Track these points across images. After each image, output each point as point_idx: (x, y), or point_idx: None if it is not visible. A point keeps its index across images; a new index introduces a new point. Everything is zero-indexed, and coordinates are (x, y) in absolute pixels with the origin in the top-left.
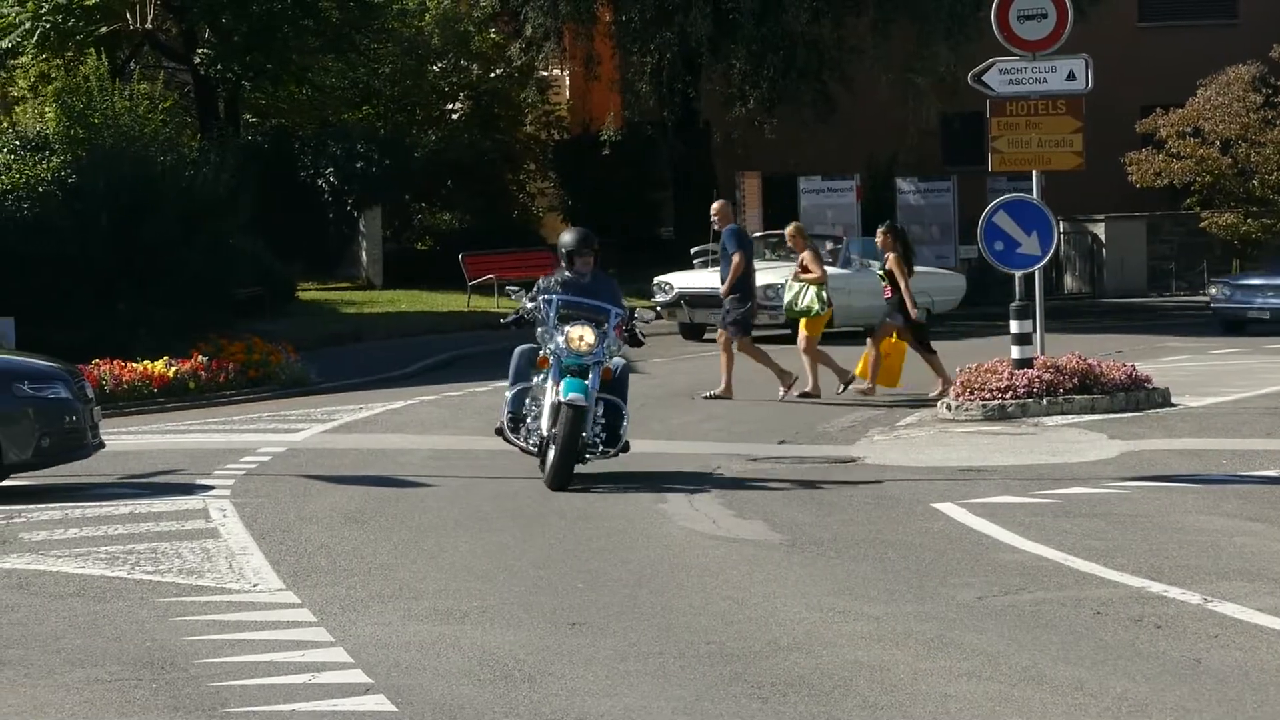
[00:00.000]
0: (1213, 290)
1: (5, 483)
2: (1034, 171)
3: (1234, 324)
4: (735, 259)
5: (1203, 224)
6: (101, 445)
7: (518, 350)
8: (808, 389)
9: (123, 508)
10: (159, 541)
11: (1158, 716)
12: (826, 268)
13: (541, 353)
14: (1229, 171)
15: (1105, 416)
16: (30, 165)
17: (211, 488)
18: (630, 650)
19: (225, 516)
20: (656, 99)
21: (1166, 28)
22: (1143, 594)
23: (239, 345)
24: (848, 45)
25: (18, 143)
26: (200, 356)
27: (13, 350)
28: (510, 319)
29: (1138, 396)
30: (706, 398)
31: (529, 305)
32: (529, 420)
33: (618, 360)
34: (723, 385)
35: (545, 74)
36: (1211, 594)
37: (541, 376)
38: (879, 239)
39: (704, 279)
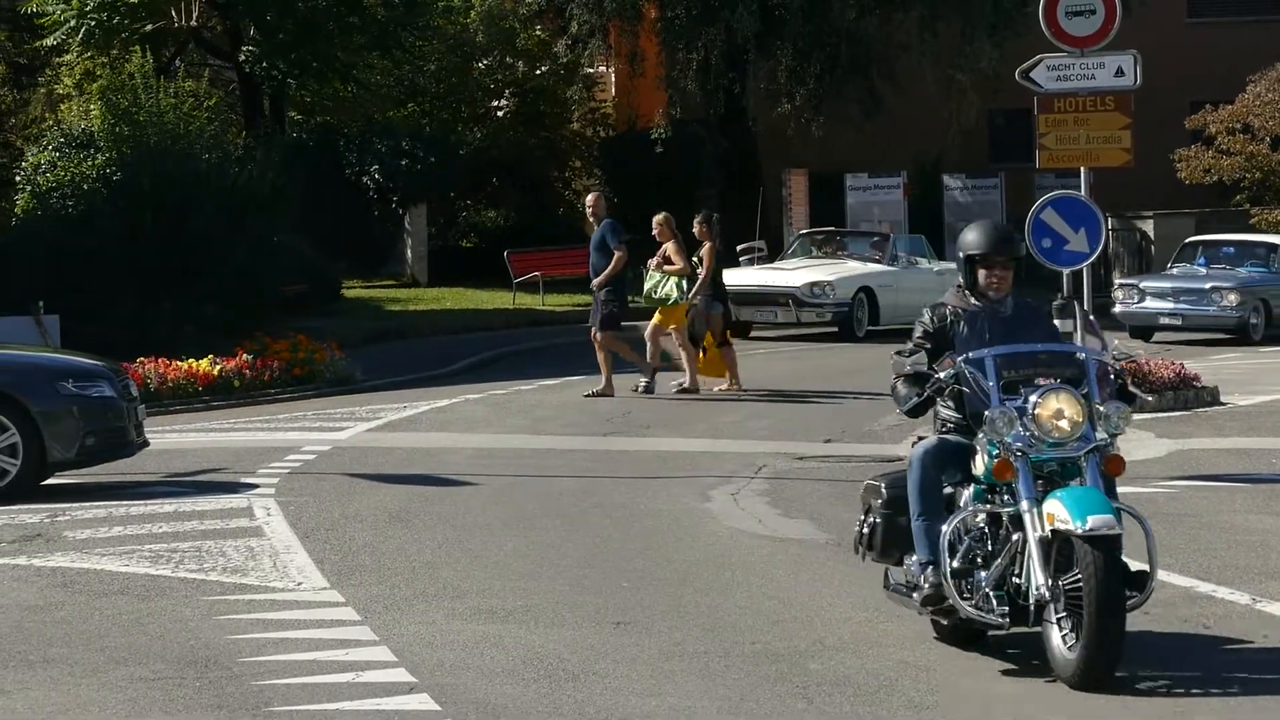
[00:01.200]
0: (1118, 293)
1: (50, 481)
2: (1082, 168)
3: (1142, 331)
4: (618, 255)
5: (1252, 220)
6: (146, 444)
7: (918, 453)
8: (686, 384)
9: (167, 506)
10: (203, 540)
11: (1205, 716)
12: (876, 265)
13: (980, 452)
14: (1279, 168)
15: (1153, 415)
16: (75, 163)
17: (256, 486)
18: (675, 649)
19: (269, 515)
20: (702, 96)
21: (1215, 23)
22: (1191, 594)
23: (284, 343)
24: (895, 41)
25: (63, 140)
26: (245, 354)
27: (57, 348)
28: (910, 403)
29: (1186, 395)
30: (588, 396)
31: (939, 374)
32: (981, 575)
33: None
34: (603, 383)
35: (590, 71)
36: (1260, 594)
37: (971, 492)
38: (696, 229)
39: (749, 276)
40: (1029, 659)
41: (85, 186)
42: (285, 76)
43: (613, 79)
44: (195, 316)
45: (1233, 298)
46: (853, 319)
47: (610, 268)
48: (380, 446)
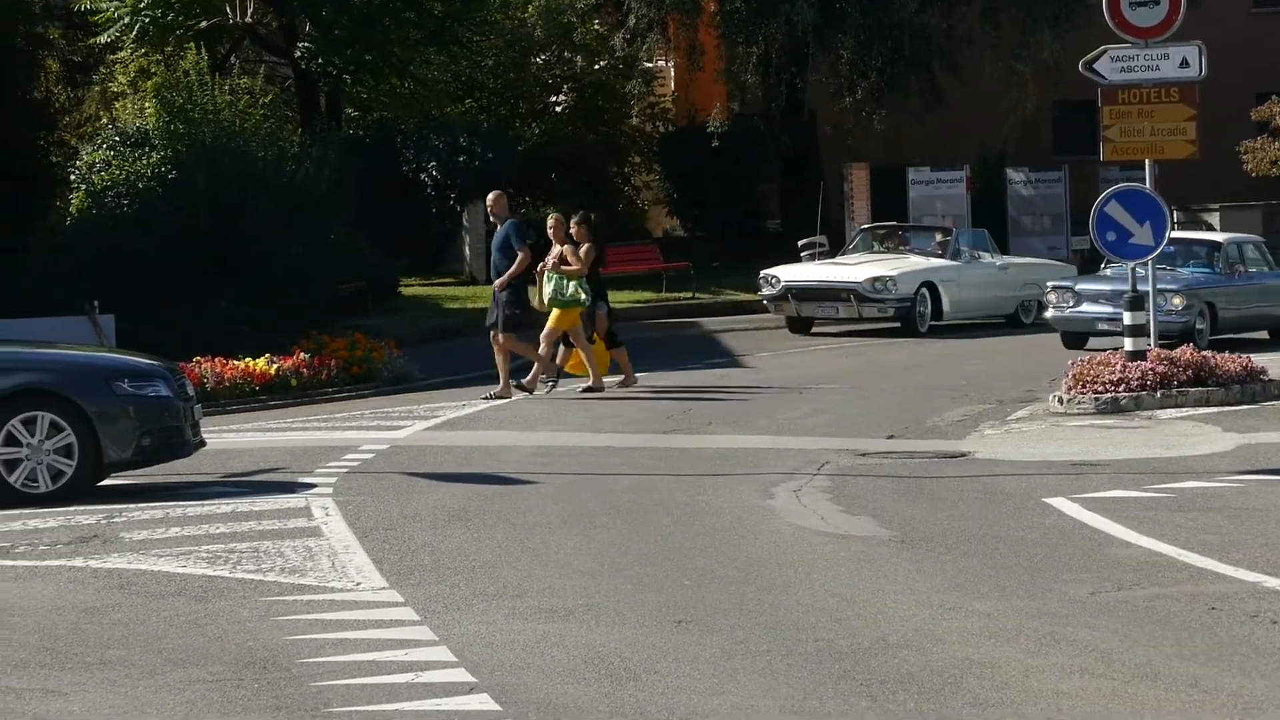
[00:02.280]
0: (1050, 296)
1: (106, 482)
2: (1147, 161)
3: (1075, 338)
4: (522, 254)
5: None
6: (202, 444)
7: None
8: (591, 384)
9: (224, 506)
10: (261, 540)
11: (1274, 714)
12: (939, 259)
13: None
14: None
15: (1220, 409)
16: (130, 161)
17: (314, 486)
18: (737, 648)
19: (328, 515)
20: (762, 90)
21: None
22: (1258, 589)
23: (341, 342)
24: (957, 34)
25: (117, 139)
26: (302, 353)
27: (113, 348)
28: None
29: (1253, 389)
30: (487, 398)
31: None
32: None
33: None
34: (500, 385)
35: (649, 65)
36: None
37: None
38: (574, 229)
39: (811, 272)
40: (1099, 656)
41: (140, 185)
42: (341, 73)
43: (672, 73)
44: (251, 315)
45: (1178, 301)
46: (915, 314)
47: (513, 268)
48: (439, 445)
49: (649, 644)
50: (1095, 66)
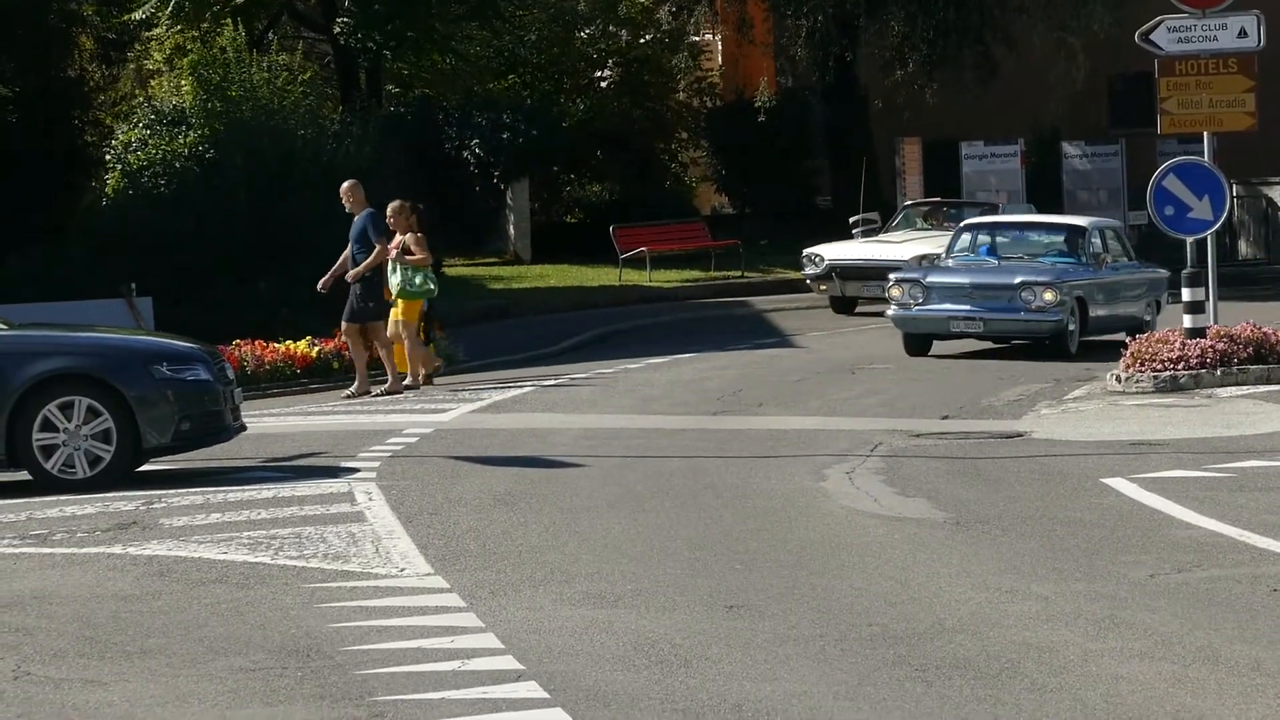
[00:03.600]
0: (893, 290)
1: (144, 467)
2: (1205, 133)
3: (920, 341)
4: (379, 247)
5: None
6: (243, 428)
7: None
8: (406, 382)
9: (265, 491)
10: (303, 526)
11: None
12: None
13: None
14: None
15: (1278, 387)
16: (167, 140)
17: (356, 470)
18: (790, 633)
19: (371, 499)
20: (812, 64)
21: None
22: None
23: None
24: (1010, 4)
25: (153, 117)
26: (344, 336)
27: (151, 331)
28: None
29: None
30: (347, 396)
31: None
32: None
33: None
34: (390, 379)
35: (696, 39)
36: None
37: None
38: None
39: (855, 250)
40: (1159, 640)
41: (177, 165)
42: (381, 48)
43: (719, 47)
44: (291, 297)
45: (1049, 296)
46: None
47: (369, 259)
48: (484, 428)
49: (699, 630)
50: (1151, 37)
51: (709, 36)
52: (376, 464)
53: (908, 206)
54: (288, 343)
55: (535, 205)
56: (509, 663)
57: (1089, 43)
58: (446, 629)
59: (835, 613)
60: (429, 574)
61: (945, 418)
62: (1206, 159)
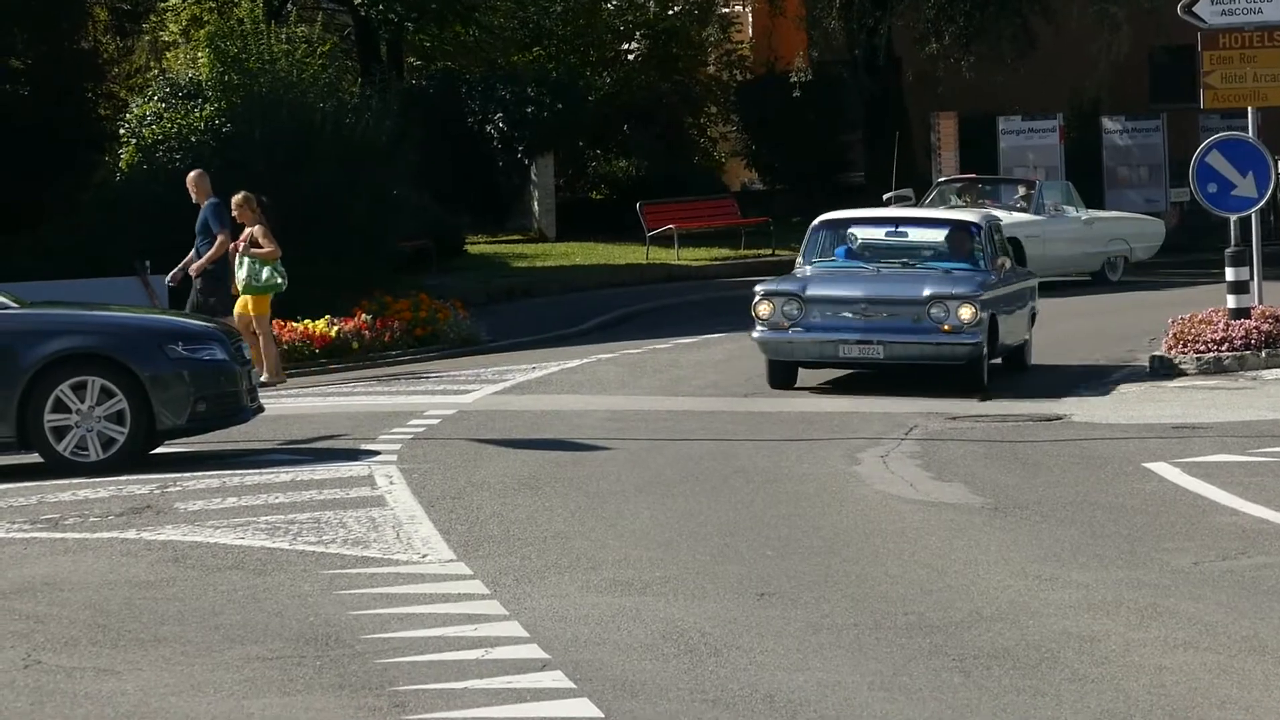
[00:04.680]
0: (760, 307)
1: (159, 449)
2: (1249, 108)
3: (786, 371)
4: (220, 238)
5: None
6: (260, 409)
7: None
8: (264, 379)
9: (283, 475)
10: (322, 510)
11: None
12: (1020, 214)
13: None
14: None
15: None
16: (183, 114)
17: (377, 453)
18: (823, 622)
19: (392, 483)
20: (845, 36)
21: None
22: None
23: (404, 302)
24: None
25: (169, 90)
26: (364, 315)
27: (166, 309)
28: None
29: None
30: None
31: None
32: None
33: None
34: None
35: (726, 10)
36: None
37: None
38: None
39: None
40: (1204, 629)
41: (193, 139)
42: (403, 20)
43: (750, 19)
44: (310, 275)
45: (965, 314)
46: None
47: (211, 251)
48: (508, 410)
49: (730, 618)
50: (1194, 10)
51: (739, 8)
52: (398, 446)
53: (942, 183)
54: (306, 322)
55: (560, 181)
56: (534, 651)
57: (1132, 13)
58: (470, 617)
59: (870, 601)
60: (451, 560)
61: (983, 399)
62: (1251, 135)
